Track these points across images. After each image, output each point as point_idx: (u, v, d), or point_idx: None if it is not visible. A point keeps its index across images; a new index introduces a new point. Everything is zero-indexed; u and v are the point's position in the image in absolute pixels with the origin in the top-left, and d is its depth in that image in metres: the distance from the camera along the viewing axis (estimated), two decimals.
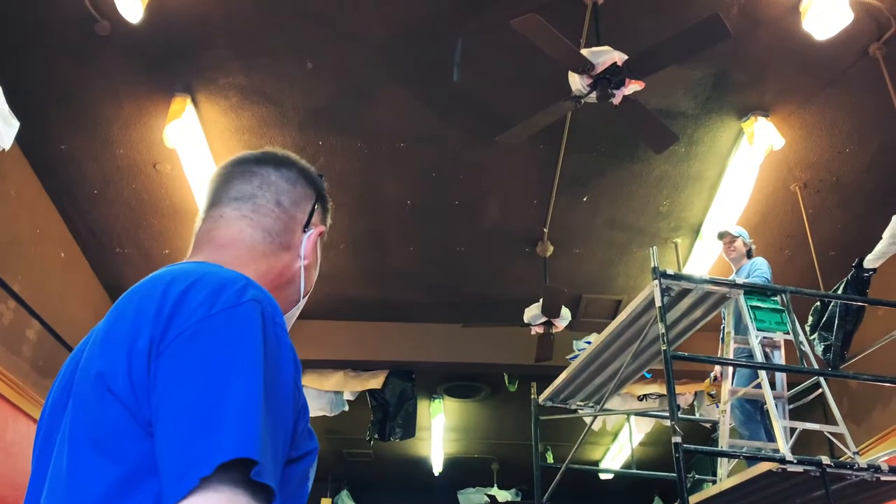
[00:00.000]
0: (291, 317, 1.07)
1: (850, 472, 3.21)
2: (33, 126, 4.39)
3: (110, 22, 3.93)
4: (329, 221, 1.14)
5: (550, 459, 8.57)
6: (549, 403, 4.92)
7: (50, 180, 5.13)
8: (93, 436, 0.78)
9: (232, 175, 1.06)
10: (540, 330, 5.76)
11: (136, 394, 0.76)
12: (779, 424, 3.57)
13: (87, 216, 5.47)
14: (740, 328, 4.11)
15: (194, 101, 4.48)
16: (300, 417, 0.82)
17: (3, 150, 3.18)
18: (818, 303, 4.76)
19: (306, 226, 1.06)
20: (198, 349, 0.75)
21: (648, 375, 6.36)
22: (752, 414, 4.32)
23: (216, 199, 1.05)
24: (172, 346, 0.76)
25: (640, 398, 7.08)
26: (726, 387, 4.17)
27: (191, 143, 4.55)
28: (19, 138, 3.57)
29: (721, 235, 4.82)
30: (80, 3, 3.83)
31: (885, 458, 3.89)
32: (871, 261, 4.19)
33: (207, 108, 4.55)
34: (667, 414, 3.69)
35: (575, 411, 5.01)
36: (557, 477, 4.55)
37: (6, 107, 3.14)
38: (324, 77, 4.39)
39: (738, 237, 4.73)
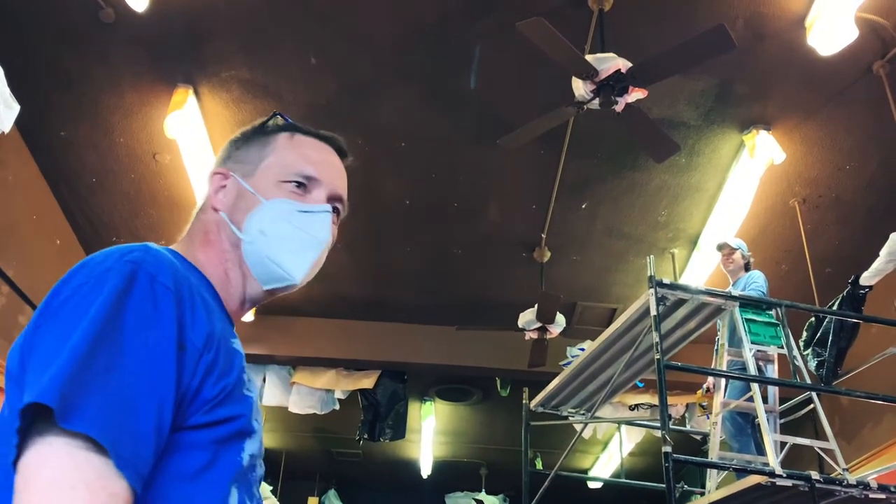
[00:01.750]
0: (255, 254, 0.98)
1: (839, 488, 3.20)
2: (34, 111, 4.37)
3: (115, 10, 3.92)
4: (276, 139, 1.06)
5: (539, 466, 8.55)
6: (541, 409, 4.92)
7: (48, 167, 5.11)
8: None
9: None
10: (534, 335, 5.75)
11: (24, 372, 0.76)
12: (769, 438, 3.57)
13: (85, 204, 5.45)
14: (734, 341, 4.11)
15: (196, 93, 4.47)
16: (208, 379, 0.78)
17: (3, 132, 3.17)
18: (813, 318, 4.76)
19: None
20: (57, 316, 0.75)
21: (641, 385, 6.35)
22: (743, 427, 4.32)
23: None
24: (45, 316, 0.76)
25: (632, 408, 7.07)
26: (718, 399, 4.17)
27: (191, 134, 4.54)
28: (19, 123, 3.56)
29: (720, 247, 4.83)
30: None
31: (875, 475, 3.89)
32: (867, 278, 4.19)
33: (209, 100, 4.54)
34: (657, 424, 3.68)
35: (566, 418, 5.00)
36: (546, 483, 4.53)
37: (7, 90, 3.13)
38: (327, 73, 4.39)
39: (736, 249, 4.73)
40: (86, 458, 0.67)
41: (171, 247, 0.96)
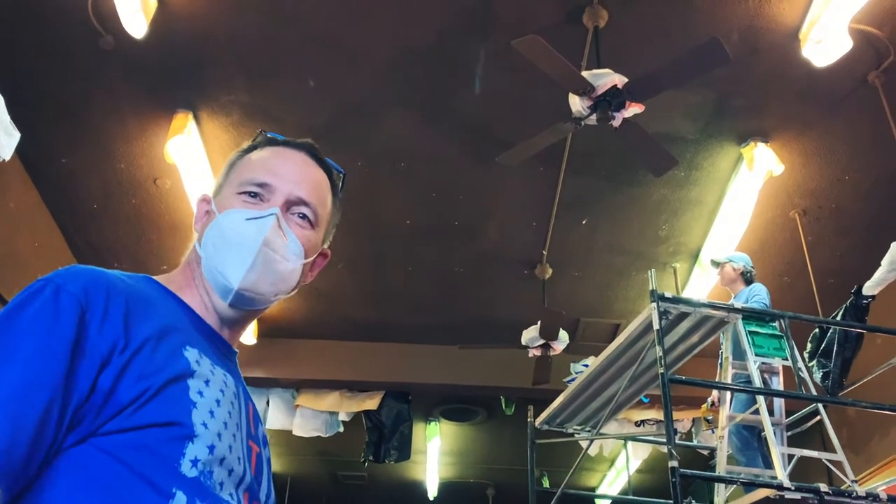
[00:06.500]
0: (208, 269, 0.98)
1: (848, 500, 3.17)
2: (35, 139, 4.40)
3: (114, 37, 3.95)
4: (244, 156, 1.06)
5: (546, 485, 8.48)
6: (546, 427, 4.88)
7: (50, 194, 5.13)
8: None
9: None
10: (537, 352, 5.73)
11: None
12: (777, 451, 3.54)
13: (86, 230, 5.47)
14: (738, 353, 4.09)
15: (196, 118, 4.50)
16: (122, 382, 0.78)
17: (4, 160, 3.19)
18: (817, 329, 4.74)
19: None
20: None
21: (646, 400, 6.31)
22: (749, 440, 4.29)
23: None
24: None
25: (638, 424, 7.03)
26: (724, 412, 4.14)
27: (192, 158, 4.56)
28: (20, 151, 3.58)
29: (713, 264, 4.85)
30: (84, 18, 3.86)
31: (884, 487, 3.85)
32: (869, 288, 4.18)
33: (209, 125, 4.56)
34: (664, 439, 3.65)
35: (571, 435, 4.96)
36: (553, 502, 4.49)
37: (7, 117, 3.15)
38: (325, 96, 4.41)
39: (725, 263, 4.72)
40: None
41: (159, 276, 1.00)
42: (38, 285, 0.81)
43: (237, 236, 0.97)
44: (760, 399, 3.74)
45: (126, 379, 0.79)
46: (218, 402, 0.87)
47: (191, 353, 0.87)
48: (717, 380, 4.46)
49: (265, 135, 1.09)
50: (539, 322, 5.53)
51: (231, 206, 1.00)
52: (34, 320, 0.77)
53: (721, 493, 4.07)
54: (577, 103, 3.58)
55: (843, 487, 3.51)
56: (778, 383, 4.07)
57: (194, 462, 0.81)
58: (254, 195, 1.00)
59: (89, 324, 0.79)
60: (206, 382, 0.87)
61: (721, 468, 3.90)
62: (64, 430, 0.76)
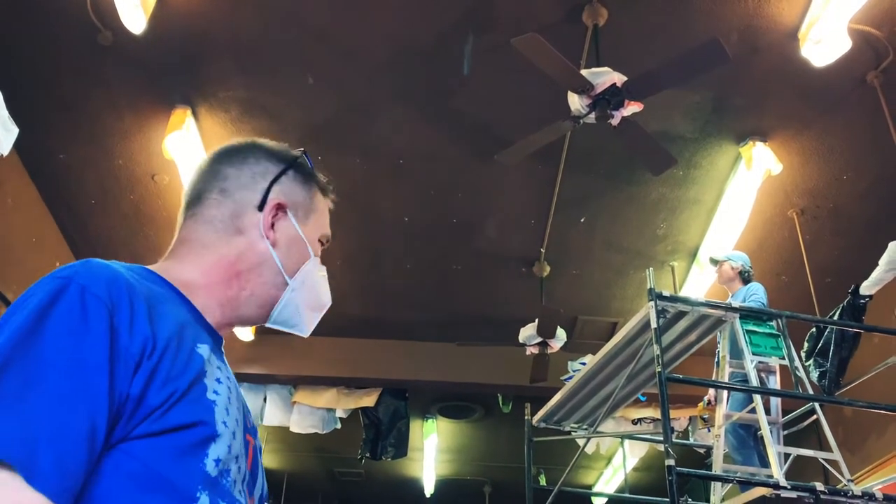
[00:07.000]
0: (292, 303, 1.03)
1: (844, 499, 3.18)
2: (33, 134, 4.38)
3: (113, 32, 3.95)
4: (317, 192, 1.09)
5: (543, 482, 8.50)
6: (543, 425, 4.89)
7: (48, 189, 5.12)
8: None
9: (192, 183, 1.06)
10: (535, 350, 5.74)
11: None
12: (773, 450, 3.55)
13: (84, 226, 5.46)
14: (735, 352, 4.09)
15: (194, 114, 4.49)
16: (151, 385, 0.78)
17: (1, 156, 3.18)
18: (814, 329, 4.75)
19: (264, 203, 1.02)
20: None
21: (643, 399, 6.33)
22: (746, 439, 4.29)
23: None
24: None
25: (635, 422, 7.04)
26: (720, 411, 4.15)
27: (190, 154, 4.55)
28: (18, 146, 3.57)
29: (711, 262, 4.85)
30: (83, 13, 3.85)
31: (880, 486, 3.86)
32: (867, 287, 4.19)
33: (207, 121, 4.56)
34: (661, 438, 3.66)
35: (569, 433, 4.97)
36: (550, 499, 4.50)
37: (6, 113, 3.14)
38: (324, 93, 4.41)
39: (724, 261, 4.72)
40: None
41: (151, 266, 0.96)
42: (58, 285, 0.77)
43: (325, 292, 1.10)
44: (757, 398, 3.75)
45: (155, 383, 0.78)
46: (228, 398, 0.87)
47: (203, 350, 0.88)
48: (713, 378, 4.46)
49: (310, 161, 1.11)
50: (537, 320, 5.53)
51: (316, 252, 1.07)
52: (63, 326, 0.74)
53: (717, 491, 4.08)
54: (576, 102, 3.58)
55: (839, 486, 3.52)
56: (775, 382, 4.08)
57: (217, 462, 0.81)
58: (322, 246, 1.11)
59: (119, 328, 0.77)
60: (217, 380, 0.87)
61: (717, 467, 3.91)
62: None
